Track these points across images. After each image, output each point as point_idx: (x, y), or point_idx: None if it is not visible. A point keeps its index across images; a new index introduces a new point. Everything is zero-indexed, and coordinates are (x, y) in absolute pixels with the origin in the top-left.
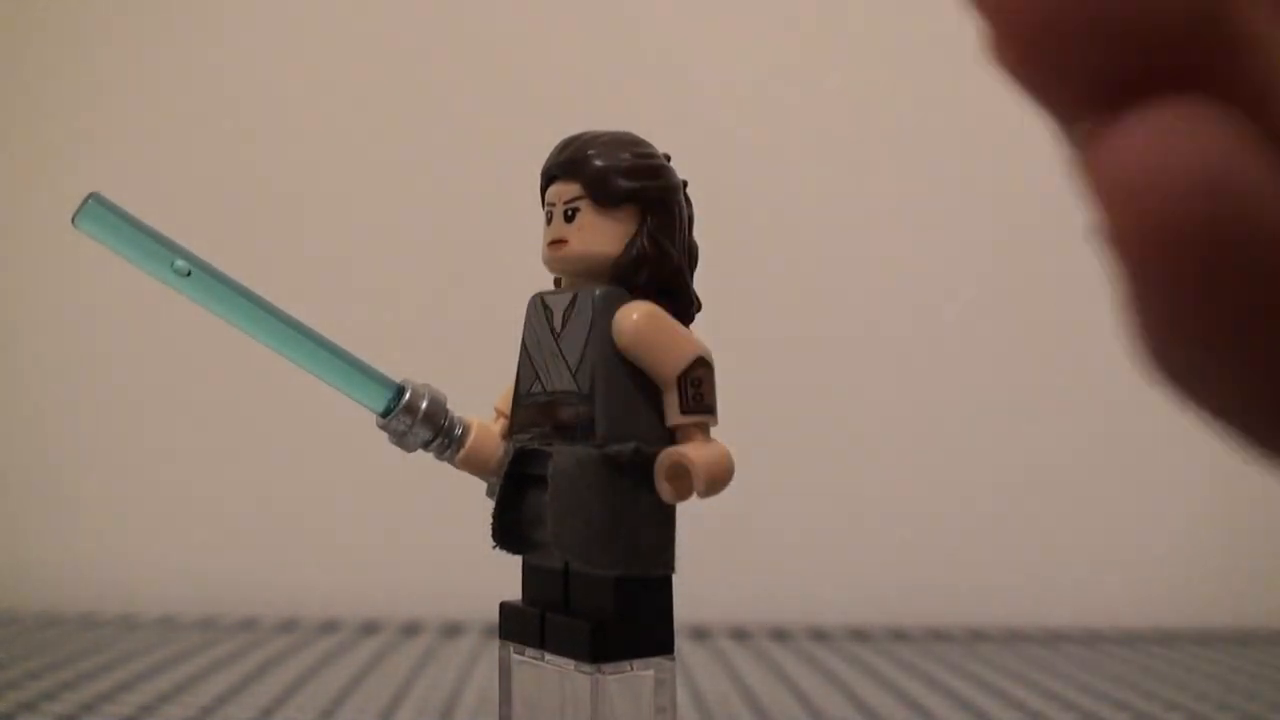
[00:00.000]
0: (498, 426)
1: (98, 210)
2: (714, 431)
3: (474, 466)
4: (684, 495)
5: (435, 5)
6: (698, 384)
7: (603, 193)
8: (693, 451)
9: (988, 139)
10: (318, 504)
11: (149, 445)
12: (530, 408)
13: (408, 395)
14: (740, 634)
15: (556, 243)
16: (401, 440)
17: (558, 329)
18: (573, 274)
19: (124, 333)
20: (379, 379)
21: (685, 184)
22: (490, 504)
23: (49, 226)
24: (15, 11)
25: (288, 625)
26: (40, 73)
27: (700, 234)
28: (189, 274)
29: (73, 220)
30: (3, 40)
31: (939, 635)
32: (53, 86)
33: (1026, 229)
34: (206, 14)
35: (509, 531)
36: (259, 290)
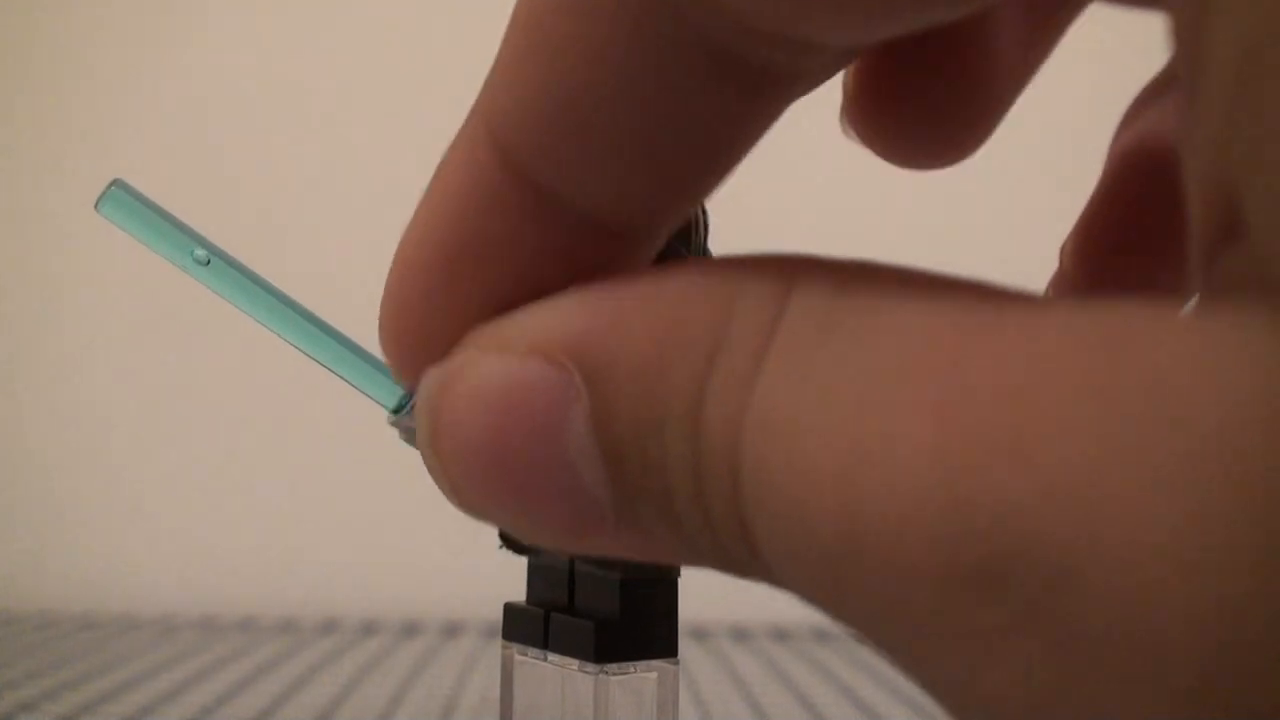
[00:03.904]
0: None
1: (121, 196)
2: None
3: None
4: None
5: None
6: None
7: None
8: None
9: (999, 149)
10: (318, 504)
11: (149, 446)
12: None
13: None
14: (740, 634)
15: None
16: (411, 437)
17: None
18: None
19: (123, 333)
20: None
21: None
22: None
23: (47, 228)
24: None
25: (288, 625)
26: (57, 61)
27: (714, 244)
28: (208, 263)
29: (96, 206)
30: (22, 26)
31: None
32: (69, 75)
33: (1025, 239)
34: (231, 2)
35: None
36: (273, 282)
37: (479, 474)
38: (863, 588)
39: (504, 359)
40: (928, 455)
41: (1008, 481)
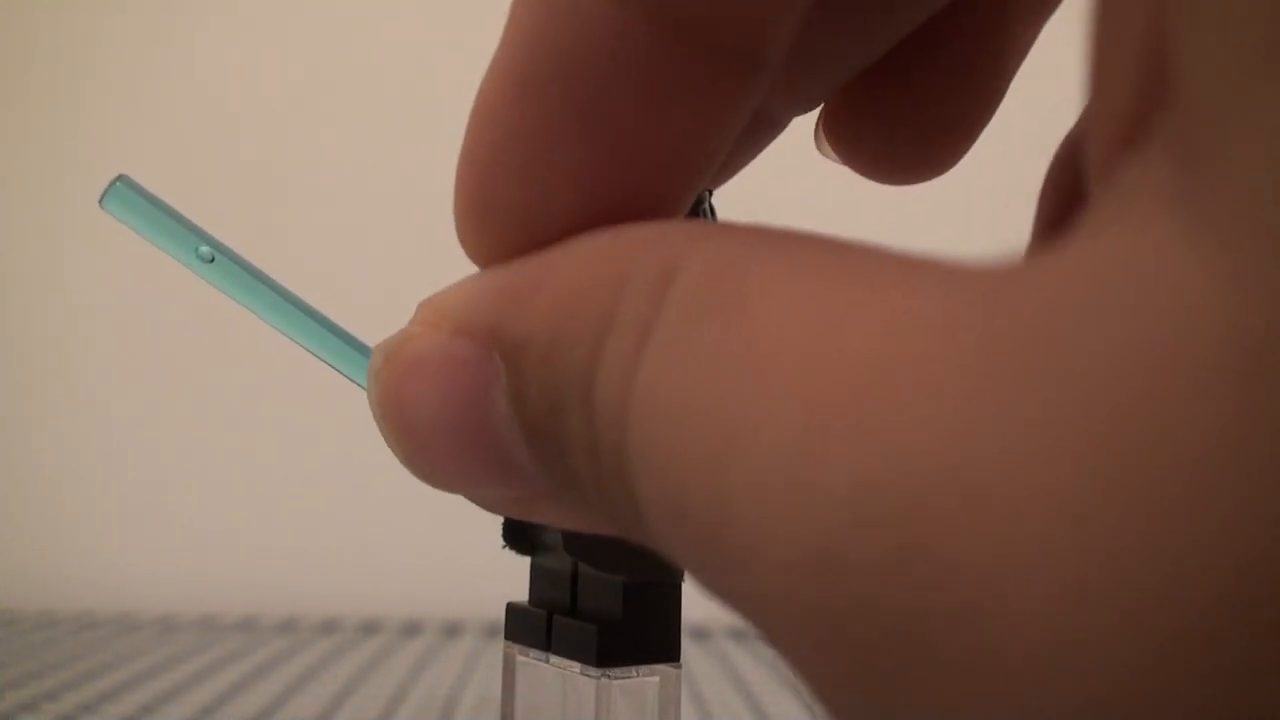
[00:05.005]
0: None
1: (125, 192)
2: None
3: None
4: None
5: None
6: None
7: None
8: None
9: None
10: (317, 504)
11: (149, 446)
12: None
13: None
14: (740, 634)
15: None
16: None
17: None
18: None
19: (123, 333)
20: None
21: (711, 192)
22: None
23: (46, 225)
24: None
25: (288, 625)
26: (58, 60)
27: None
28: (213, 260)
29: (100, 202)
30: (23, 26)
31: None
32: (70, 73)
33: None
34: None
35: (518, 532)
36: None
37: (423, 446)
38: (729, 570)
39: (436, 337)
40: (785, 440)
41: (852, 459)
